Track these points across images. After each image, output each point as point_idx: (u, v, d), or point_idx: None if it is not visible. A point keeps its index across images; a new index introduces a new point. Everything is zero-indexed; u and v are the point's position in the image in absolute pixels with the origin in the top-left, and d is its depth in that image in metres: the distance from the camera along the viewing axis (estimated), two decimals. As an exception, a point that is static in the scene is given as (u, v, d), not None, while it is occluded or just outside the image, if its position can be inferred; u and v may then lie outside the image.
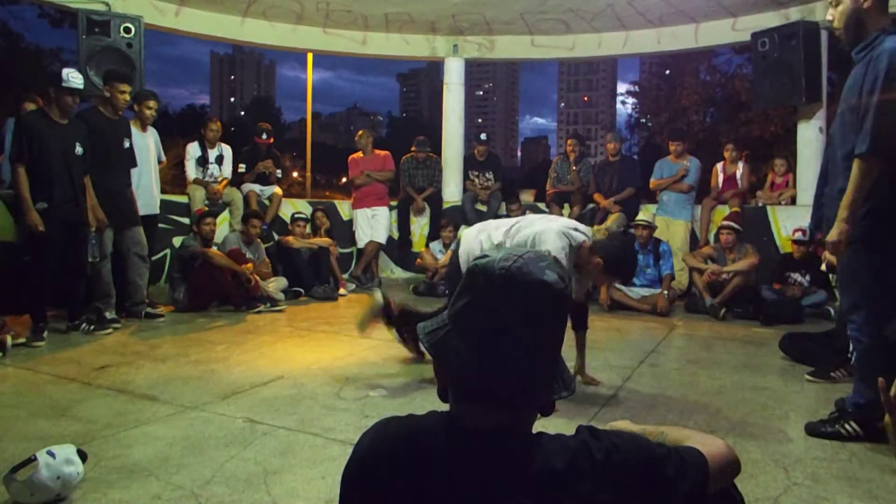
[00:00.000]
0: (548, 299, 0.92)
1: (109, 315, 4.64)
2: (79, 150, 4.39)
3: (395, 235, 7.81)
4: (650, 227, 6.08)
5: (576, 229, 3.19)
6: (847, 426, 2.58)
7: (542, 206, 7.75)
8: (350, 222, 7.67)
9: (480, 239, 3.32)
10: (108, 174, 4.72)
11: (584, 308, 3.46)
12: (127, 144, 4.90)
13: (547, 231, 3.11)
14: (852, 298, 2.65)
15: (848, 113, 2.53)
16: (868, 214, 2.46)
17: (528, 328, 0.91)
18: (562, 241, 3.05)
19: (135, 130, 5.13)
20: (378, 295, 3.85)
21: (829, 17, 2.64)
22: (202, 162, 6.68)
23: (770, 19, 6.70)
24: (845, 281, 2.69)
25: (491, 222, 3.51)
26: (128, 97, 4.84)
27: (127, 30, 5.95)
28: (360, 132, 7.84)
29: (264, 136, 7.21)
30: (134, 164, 5.06)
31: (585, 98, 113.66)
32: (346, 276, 7.21)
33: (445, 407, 1.00)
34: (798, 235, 5.81)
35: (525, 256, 0.94)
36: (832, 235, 2.49)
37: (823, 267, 5.06)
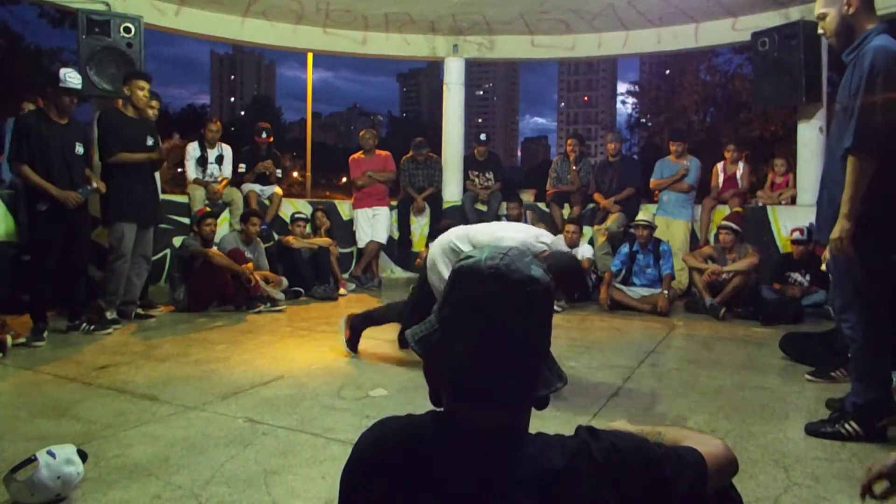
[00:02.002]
0: (536, 294, 0.93)
1: (110, 315, 4.64)
2: (79, 149, 4.39)
3: (395, 235, 7.81)
4: (650, 227, 6.08)
5: (538, 238, 3.35)
6: (847, 426, 2.58)
7: (542, 205, 7.76)
8: (350, 222, 7.67)
9: (449, 251, 3.52)
10: (130, 173, 4.73)
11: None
12: (150, 143, 4.91)
13: (507, 241, 3.23)
14: (845, 297, 2.67)
15: (841, 113, 2.58)
16: (860, 213, 2.47)
17: (519, 324, 0.91)
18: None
19: None
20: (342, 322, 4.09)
21: (820, 31, 2.71)
22: (202, 162, 6.68)
23: (770, 19, 6.70)
24: (839, 278, 2.71)
25: (449, 236, 3.64)
26: (147, 93, 4.85)
27: (127, 30, 5.94)
28: (365, 131, 7.84)
29: (264, 136, 7.22)
30: (157, 166, 5.14)
31: (585, 98, 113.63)
32: (346, 275, 7.21)
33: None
34: (796, 235, 5.81)
35: (510, 254, 0.95)
36: (834, 233, 2.50)
37: (824, 267, 5.07)
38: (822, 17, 2.65)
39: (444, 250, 3.55)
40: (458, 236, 3.57)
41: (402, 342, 3.97)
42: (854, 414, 2.59)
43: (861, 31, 2.55)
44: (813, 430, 2.65)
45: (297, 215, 6.88)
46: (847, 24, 2.57)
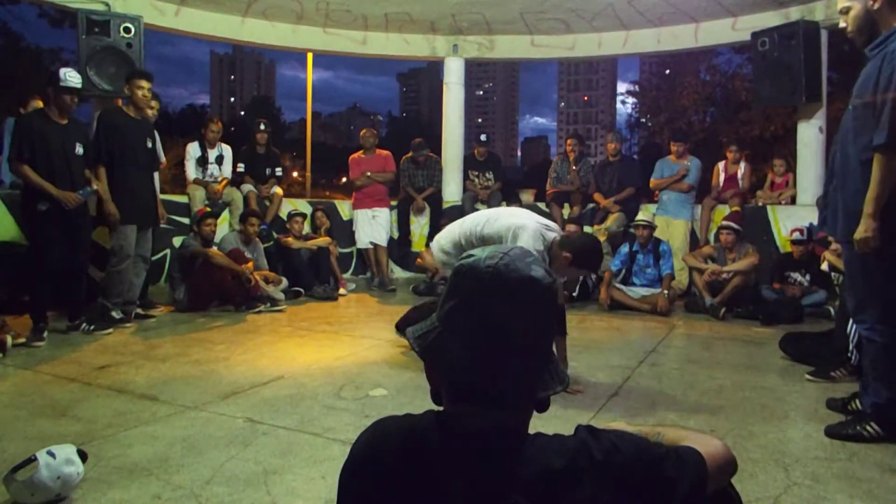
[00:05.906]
0: (536, 295, 0.92)
1: (117, 315, 4.64)
2: (79, 149, 4.39)
3: (395, 235, 7.81)
4: (650, 226, 6.08)
5: (547, 227, 3.29)
6: (868, 428, 2.55)
7: (542, 205, 7.75)
8: (350, 222, 7.67)
9: (454, 234, 3.53)
10: (131, 173, 4.73)
11: (562, 310, 3.49)
12: (150, 145, 4.92)
13: (525, 228, 3.19)
14: (860, 296, 2.62)
15: (862, 108, 2.50)
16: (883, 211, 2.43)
17: (518, 325, 0.90)
18: (538, 243, 3.15)
19: None
20: None
21: (842, 25, 2.64)
22: (202, 162, 6.68)
23: (770, 19, 6.70)
24: (854, 278, 2.65)
25: (457, 224, 3.63)
26: (148, 93, 4.85)
27: (127, 30, 5.94)
28: (365, 130, 7.84)
29: (262, 127, 7.24)
30: (156, 167, 5.16)
31: (585, 98, 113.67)
32: (346, 275, 7.20)
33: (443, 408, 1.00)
34: (796, 235, 5.81)
35: (511, 253, 0.93)
36: (859, 232, 2.45)
37: (824, 266, 5.08)
38: (846, 10, 2.57)
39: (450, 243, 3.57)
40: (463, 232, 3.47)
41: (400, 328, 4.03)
42: (874, 415, 2.56)
43: (886, 27, 2.47)
44: (834, 432, 2.61)
45: (293, 212, 6.84)
46: (871, 20, 2.50)
